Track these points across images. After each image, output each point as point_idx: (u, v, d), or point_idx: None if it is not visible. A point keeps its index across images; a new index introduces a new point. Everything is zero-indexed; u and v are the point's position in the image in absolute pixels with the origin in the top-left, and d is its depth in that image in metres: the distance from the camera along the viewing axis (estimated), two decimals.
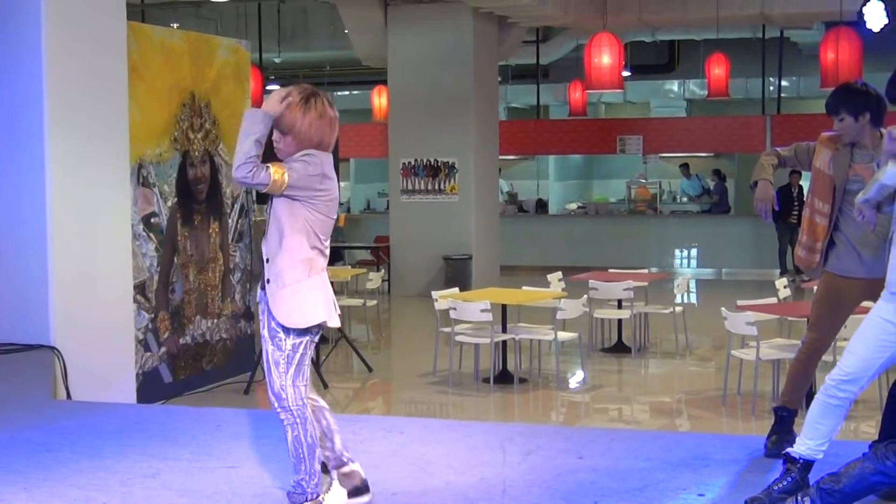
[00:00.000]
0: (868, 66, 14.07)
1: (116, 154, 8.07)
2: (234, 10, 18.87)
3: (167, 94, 9.09)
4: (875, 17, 8.61)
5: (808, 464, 4.87)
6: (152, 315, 8.89)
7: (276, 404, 4.66)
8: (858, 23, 8.94)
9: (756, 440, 5.99)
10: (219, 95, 9.73)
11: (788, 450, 4.98)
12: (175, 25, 15.59)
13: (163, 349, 9.01)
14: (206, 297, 9.60)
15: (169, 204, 9.11)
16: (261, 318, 4.80)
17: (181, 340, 9.26)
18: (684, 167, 22.76)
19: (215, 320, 9.73)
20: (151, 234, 8.90)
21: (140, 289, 8.68)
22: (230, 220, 9.92)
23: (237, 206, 9.99)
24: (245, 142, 4.46)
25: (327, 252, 4.80)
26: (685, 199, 22.83)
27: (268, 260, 4.70)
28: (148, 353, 8.83)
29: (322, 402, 4.97)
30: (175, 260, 9.19)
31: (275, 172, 4.49)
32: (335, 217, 4.80)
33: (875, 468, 4.24)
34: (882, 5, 8.61)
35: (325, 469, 5.06)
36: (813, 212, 5.79)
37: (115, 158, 8.05)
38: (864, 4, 8.73)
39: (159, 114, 8.99)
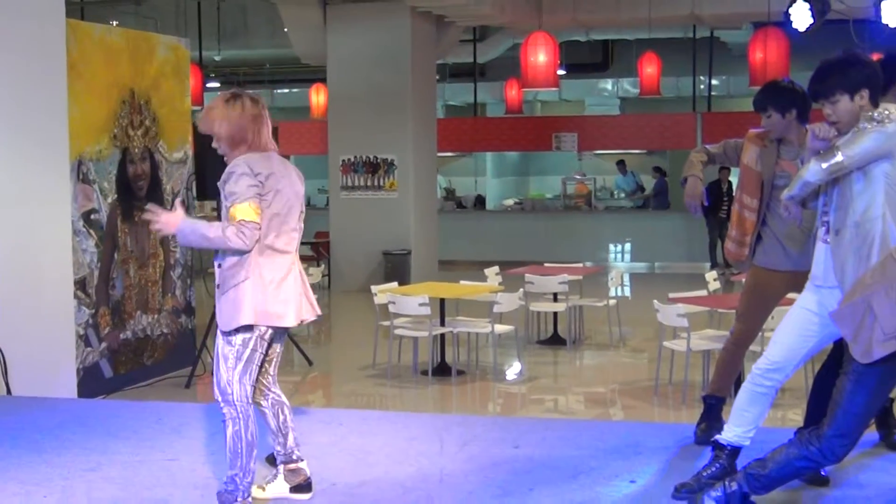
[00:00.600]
0: (795, 65, 14.24)
1: (55, 151, 7.98)
2: (174, 8, 18.70)
3: (107, 92, 8.99)
4: (801, 18, 8.73)
5: (735, 450, 4.94)
6: (93, 310, 8.79)
7: (220, 399, 4.63)
8: (785, 23, 9.06)
9: (686, 428, 6.05)
10: (159, 93, 9.64)
11: (717, 437, 5.05)
12: (114, 23, 15.42)
13: (103, 344, 8.92)
14: (146, 293, 9.51)
15: (109, 200, 9.02)
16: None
17: (122, 335, 9.17)
18: (621, 164, 22.94)
19: (156, 315, 9.65)
20: (91, 231, 8.80)
21: (80, 284, 8.59)
22: None
23: (177, 203, 9.88)
24: (214, 242, 4.55)
25: (289, 247, 4.75)
26: (622, 195, 23.01)
27: (219, 265, 4.69)
28: (89, 349, 8.73)
29: (284, 399, 4.96)
30: (115, 256, 9.10)
31: (252, 216, 4.52)
32: (290, 210, 4.74)
33: (800, 454, 4.30)
34: (808, 6, 8.73)
35: (272, 462, 5.06)
36: (741, 207, 5.85)
37: (54, 155, 7.96)
38: (791, 5, 8.84)
39: (99, 111, 8.89)
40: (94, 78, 8.80)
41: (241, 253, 4.59)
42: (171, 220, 4.58)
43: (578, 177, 22.47)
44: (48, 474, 5.46)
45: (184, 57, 10.18)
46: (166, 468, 5.53)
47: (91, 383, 8.64)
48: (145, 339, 9.49)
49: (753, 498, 4.39)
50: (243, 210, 4.51)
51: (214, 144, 4.73)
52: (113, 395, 8.76)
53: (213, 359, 4.85)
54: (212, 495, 4.79)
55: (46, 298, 7.87)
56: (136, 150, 9.34)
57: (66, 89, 8.07)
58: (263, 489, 4.96)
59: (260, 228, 4.55)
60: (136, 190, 9.38)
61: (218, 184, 4.68)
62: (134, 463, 5.64)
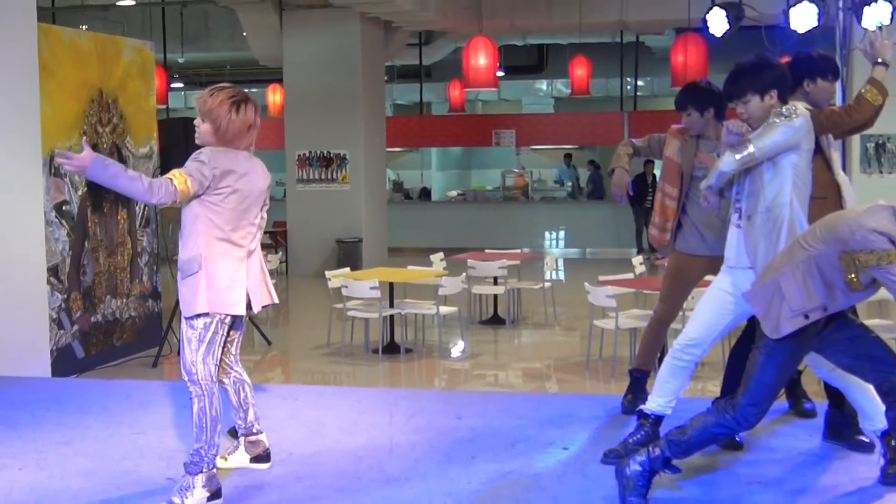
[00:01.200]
0: (713, 68, 14.38)
1: (29, 146, 7.86)
2: (140, 14, 18.47)
3: (77, 91, 8.87)
4: (718, 24, 8.80)
5: (658, 419, 4.99)
6: (65, 295, 8.69)
7: (186, 378, 4.60)
8: (704, 29, 9.13)
9: (614, 399, 6.10)
10: (125, 92, 9.53)
11: (642, 407, 5.09)
12: (84, 27, 15.20)
13: (75, 327, 8.82)
14: (115, 279, 9.41)
15: (79, 193, 8.91)
16: None
17: (92, 319, 9.07)
18: (567, 157, 23.07)
19: (124, 300, 9.55)
20: (63, 221, 8.69)
21: (53, 271, 8.48)
22: (137, 208, 9.73)
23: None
24: (128, 187, 4.41)
25: (244, 241, 4.64)
26: (569, 184, 23.06)
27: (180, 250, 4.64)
28: (62, 331, 8.63)
29: (245, 377, 4.94)
30: (86, 244, 9.00)
31: (179, 183, 4.42)
32: (249, 207, 4.64)
33: (716, 421, 4.34)
34: (724, 13, 8.81)
35: (234, 434, 5.04)
36: (664, 196, 5.88)
37: (27, 151, 7.84)
38: (709, 12, 8.91)
39: (69, 109, 8.77)
40: (65, 78, 8.68)
41: (193, 245, 4.53)
42: (82, 159, 4.45)
43: (517, 170, 22.53)
44: (23, 448, 5.39)
45: (149, 59, 10.07)
46: (134, 441, 5.49)
47: (64, 363, 8.54)
48: (115, 321, 9.39)
49: (675, 462, 4.43)
50: (179, 177, 4.43)
51: (197, 124, 4.65)
52: (85, 375, 8.67)
53: (178, 341, 4.82)
54: (177, 466, 4.76)
55: (21, 284, 7.76)
56: (105, 146, 9.23)
57: (38, 89, 7.94)
58: (226, 459, 4.95)
59: (177, 201, 4.46)
60: None
61: None
62: (104, 437, 5.59)
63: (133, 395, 6.58)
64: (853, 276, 4.10)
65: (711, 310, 4.87)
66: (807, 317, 4.17)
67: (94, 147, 9.00)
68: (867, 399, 4.68)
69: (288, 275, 16.53)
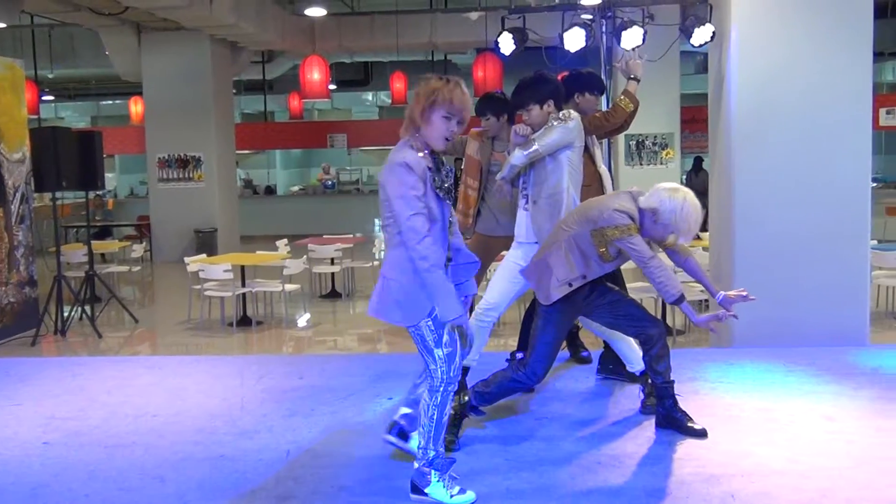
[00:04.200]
0: (507, 81, 14.64)
1: None
2: (11, 34, 17.47)
3: None
4: (507, 45, 8.97)
5: (465, 370, 5.05)
6: None
7: None
8: (496, 49, 9.27)
9: None
10: None
11: None
12: None
13: None
14: None
15: None
16: None
17: None
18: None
19: (3, 288, 9.04)
20: None
21: None
22: (13, 207, 9.22)
23: (18, 195, 9.29)
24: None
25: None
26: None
27: None
28: None
29: None
30: None
31: None
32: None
33: (512, 377, 4.42)
34: (511, 36, 8.97)
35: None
36: (466, 187, 5.94)
37: None
38: (499, 35, 9.07)
39: None
40: None
41: None
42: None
43: (323, 168, 22.51)
44: None
45: (19, 75, 9.52)
46: (13, 412, 5.22)
47: None
48: None
49: (482, 408, 4.51)
50: None
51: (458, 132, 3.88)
52: None
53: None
54: (51, 431, 4.55)
55: None
56: None
57: None
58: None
59: None
60: None
61: (445, 179, 3.84)
62: None
63: (12, 371, 6.25)
64: (604, 249, 4.26)
65: (505, 279, 4.96)
66: (570, 285, 4.30)
67: None
68: (628, 348, 4.88)
69: (152, 261, 15.99)
